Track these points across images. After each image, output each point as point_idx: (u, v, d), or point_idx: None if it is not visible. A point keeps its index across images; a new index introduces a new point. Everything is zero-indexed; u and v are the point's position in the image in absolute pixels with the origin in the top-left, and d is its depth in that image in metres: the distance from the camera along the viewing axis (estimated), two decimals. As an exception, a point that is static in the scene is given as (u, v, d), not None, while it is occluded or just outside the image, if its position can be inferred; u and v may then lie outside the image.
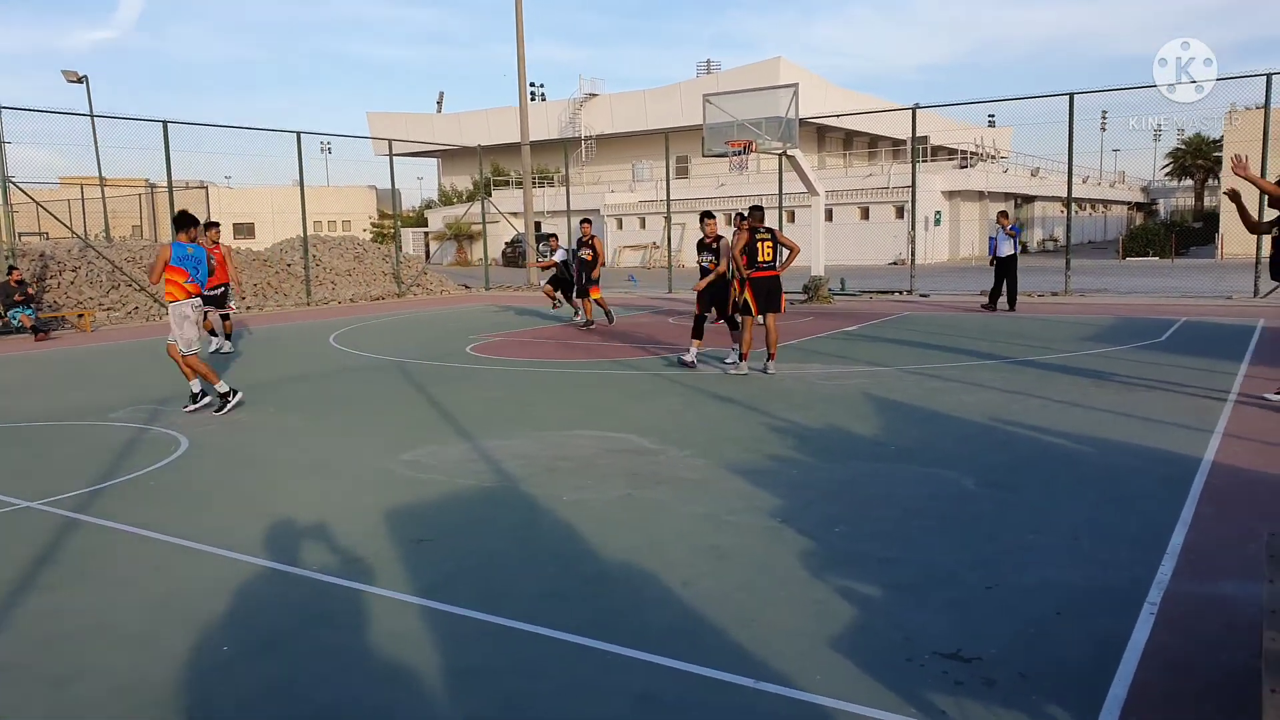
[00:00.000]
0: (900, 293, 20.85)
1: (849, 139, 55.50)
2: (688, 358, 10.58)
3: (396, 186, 27.69)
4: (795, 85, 18.26)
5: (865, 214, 41.19)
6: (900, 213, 38.16)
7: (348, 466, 6.41)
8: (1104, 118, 53.09)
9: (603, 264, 14.85)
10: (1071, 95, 18.57)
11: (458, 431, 7.45)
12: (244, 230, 45.59)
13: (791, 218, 34.47)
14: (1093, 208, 60.61)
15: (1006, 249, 16.29)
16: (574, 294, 15.41)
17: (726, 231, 12.75)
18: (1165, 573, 4.10)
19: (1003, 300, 16.50)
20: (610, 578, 4.28)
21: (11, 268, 16.57)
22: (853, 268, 33.20)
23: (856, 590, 4.02)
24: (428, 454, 6.66)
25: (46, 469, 6.61)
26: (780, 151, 18.42)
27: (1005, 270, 16.38)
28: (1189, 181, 62.69)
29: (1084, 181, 53.84)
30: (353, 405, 8.92)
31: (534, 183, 43.40)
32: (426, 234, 52.06)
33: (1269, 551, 2.83)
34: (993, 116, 51.87)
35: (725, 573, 4.27)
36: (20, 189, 17.48)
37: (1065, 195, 19.94)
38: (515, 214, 34.14)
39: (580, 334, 14.55)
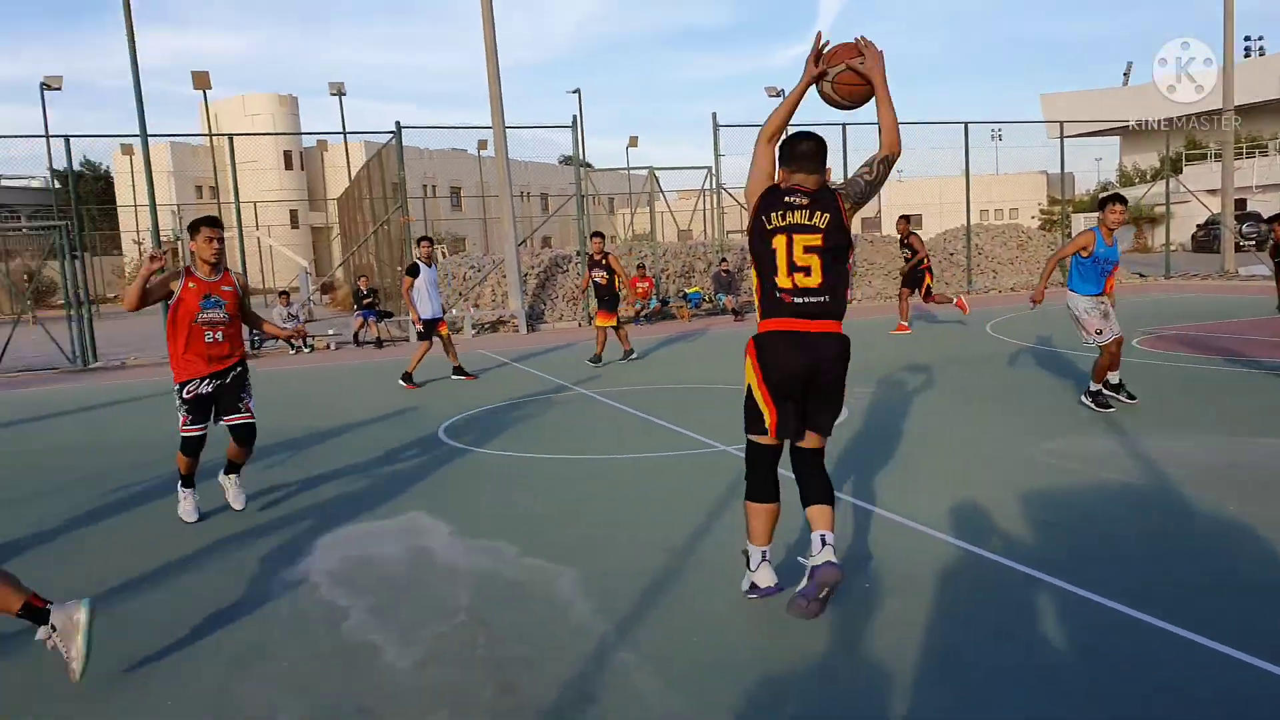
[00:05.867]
0: None
1: None
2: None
3: (1069, 170, 26.39)
4: None
5: None
6: None
7: (989, 447, 6.65)
8: None
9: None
10: None
11: (1105, 425, 7.13)
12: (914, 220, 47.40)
13: None
14: None
15: None
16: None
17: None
18: None
19: None
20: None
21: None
22: None
23: None
24: (1068, 444, 6.55)
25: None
26: None
27: None
28: None
29: None
30: (1000, 390, 9.06)
31: (1239, 153, 37.47)
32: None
33: None
34: None
35: None
36: (729, 195, 20.95)
37: None
38: (1212, 191, 29.85)
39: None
